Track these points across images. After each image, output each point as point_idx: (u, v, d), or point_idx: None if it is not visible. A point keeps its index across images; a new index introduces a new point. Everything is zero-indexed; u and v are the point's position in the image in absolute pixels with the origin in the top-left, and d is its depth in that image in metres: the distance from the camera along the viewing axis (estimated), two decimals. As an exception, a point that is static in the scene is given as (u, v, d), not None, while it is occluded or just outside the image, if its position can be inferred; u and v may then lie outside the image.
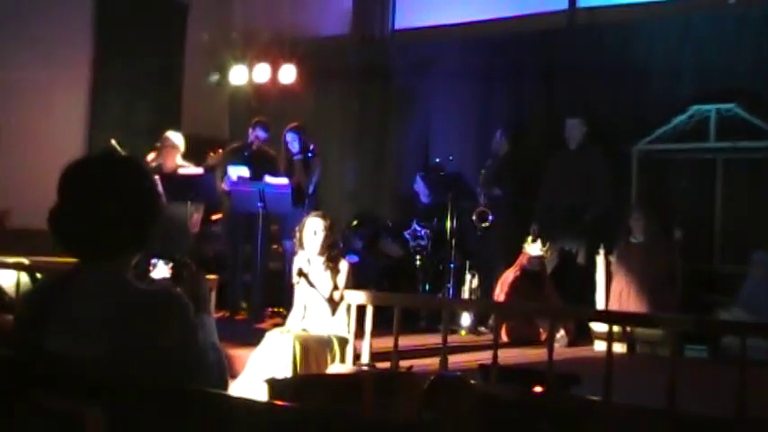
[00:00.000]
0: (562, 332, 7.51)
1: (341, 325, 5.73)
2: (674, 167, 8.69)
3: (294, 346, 5.34)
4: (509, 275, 8.08)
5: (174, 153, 8.39)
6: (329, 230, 5.81)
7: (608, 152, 8.51)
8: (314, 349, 5.47)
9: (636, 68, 8.80)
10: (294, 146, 8.84)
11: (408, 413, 3.73)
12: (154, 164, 8.27)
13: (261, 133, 8.57)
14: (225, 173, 8.56)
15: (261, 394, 4.49)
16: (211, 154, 8.86)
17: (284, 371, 5.26)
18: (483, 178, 8.81)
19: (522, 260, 8.11)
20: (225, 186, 8.23)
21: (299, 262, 5.83)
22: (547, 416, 4.06)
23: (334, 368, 5.52)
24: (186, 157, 8.54)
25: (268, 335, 5.58)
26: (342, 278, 5.77)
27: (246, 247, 8.35)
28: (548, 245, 8.20)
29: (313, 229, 5.80)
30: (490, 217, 8.56)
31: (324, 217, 5.89)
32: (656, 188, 8.58)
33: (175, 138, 8.49)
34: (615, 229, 8.05)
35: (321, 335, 5.65)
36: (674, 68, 8.65)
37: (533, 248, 8.14)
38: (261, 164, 8.45)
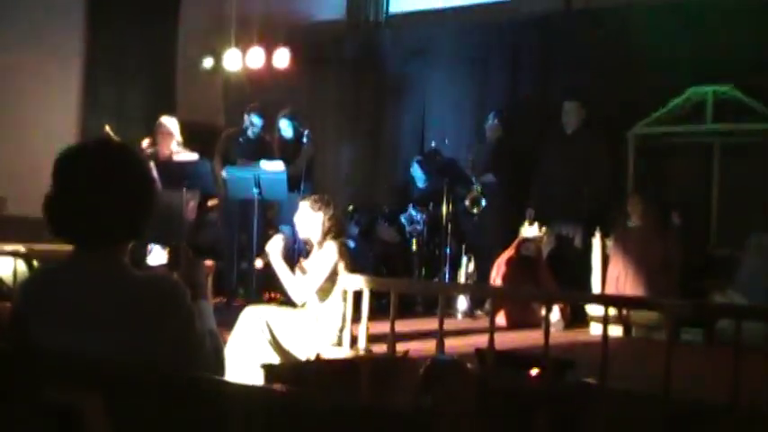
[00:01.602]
0: (558, 316, 7.53)
1: (330, 308, 5.63)
2: (671, 150, 8.69)
3: (259, 320, 5.30)
4: (505, 259, 8.09)
5: (169, 139, 8.37)
6: (323, 213, 5.67)
7: (604, 136, 8.51)
8: (279, 321, 5.39)
9: (632, 51, 8.78)
10: (288, 131, 8.84)
11: (405, 397, 3.74)
12: (149, 150, 8.26)
13: (256, 119, 8.56)
14: (221, 159, 8.57)
15: (253, 377, 4.50)
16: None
17: (256, 345, 5.24)
18: (472, 163, 8.80)
19: (517, 244, 8.12)
20: (224, 174, 8.22)
21: (271, 244, 5.59)
22: (542, 399, 4.07)
23: (332, 352, 5.51)
24: (181, 143, 8.52)
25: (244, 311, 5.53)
26: (318, 261, 5.57)
27: (243, 233, 8.35)
28: (544, 229, 8.21)
29: (303, 216, 5.71)
30: (483, 202, 8.55)
31: (309, 199, 5.70)
32: (652, 171, 8.58)
33: (170, 124, 8.47)
34: (612, 212, 8.05)
35: (297, 311, 5.59)
36: (670, 51, 8.62)
37: (530, 232, 8.14)
38: (256, 150, 8.45)
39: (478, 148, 8.93)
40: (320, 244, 5.63)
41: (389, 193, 10.27)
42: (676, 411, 4.04)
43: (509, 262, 8.04)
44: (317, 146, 9.11)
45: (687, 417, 3.99)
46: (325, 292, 5.58)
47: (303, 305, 5.64)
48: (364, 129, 10.86)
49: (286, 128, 8.86)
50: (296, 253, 6.95)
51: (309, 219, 5.63)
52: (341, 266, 5.55)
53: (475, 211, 8.56)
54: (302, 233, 5.75)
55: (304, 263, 5.71)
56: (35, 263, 6.48)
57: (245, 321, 5.37)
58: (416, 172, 9.37)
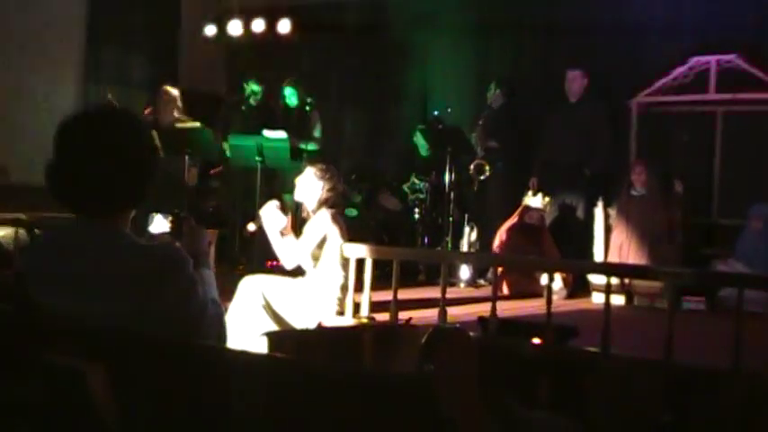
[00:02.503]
0: (561, 284, 7.54)
1: (326, 277, 5.62)
2: (674, 120, 8.65)
3: (255, 289, 5.32)
4: (507, 227, 8.09)
5: (171, 107, 8.35)
6: (324, 183, 5.64)
7: (607, 105, 8.47)
8: (275, 290, 5.40)
9: (635, 20, 8.71)
10: (292, 100, 8.83)
11: (407, 365, 3.75)
12: (150, 118, 8.23)
13: (254, 87, 8.56)
14: (223, 126, 8.57)
15: (251, 345, 4.51)
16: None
17: (253, 314, 5.25)
18: (480, 130, 8.77)
19: (521, 213, 8.11)
20: (226, 142, 8.22)
21: (266, 210, 5.52)
22: (545, 368, 4.08)
23: (334, 321, 5.52)
24: (183, 110, 8.50)
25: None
26: (308, 228, 5.55)
27: (245, 202, 8.35)
28: (547, 198, 8.20)
29: (304, 181, 5.69)
30: (487, 170, 8.53)
31: (316, 166, 5.69)
32: (655, 141, 8.55)
33: (172, 91, 8.45)
34: (615, 182, 8.04)
35: (294, 280, 5.59)
36: (673, 19, 8.55)
37: (533, 202, 8.14)
38: (259, 118, 8.44)
39: (488, 114, 8.88)
40: (314, 212, 5.62)
41: (392, 162, 10.25)
42: (678, 378, 4.06)
43: (511, 230, 8.04)
44: (321, 114, 9.11)
45: (689, 383, 4.00)
46: (315, 259, 5.57)
47: (304, 274, 5.65)
48: (367, 97, 10.82)
49: (289, 96, 8.84)
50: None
51: (310, 185, 5.63)
52: (333, 235, 5.53)
53: (482, 178, 8.54)
54: (298, 196, 5.74)
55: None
56: (37, 231, 6.47)
57: (243, 290, 5.39)
58: (419, 140, 9.34)
